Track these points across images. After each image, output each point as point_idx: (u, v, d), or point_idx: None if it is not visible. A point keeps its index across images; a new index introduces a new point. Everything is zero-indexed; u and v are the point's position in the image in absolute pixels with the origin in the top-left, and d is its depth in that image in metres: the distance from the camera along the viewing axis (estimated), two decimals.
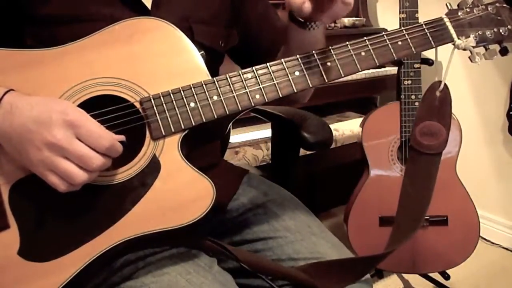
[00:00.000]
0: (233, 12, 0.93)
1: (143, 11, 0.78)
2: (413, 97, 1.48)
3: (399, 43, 0.77)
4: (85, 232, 0.68)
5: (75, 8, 0.76)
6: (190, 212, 0.69)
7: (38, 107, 0.62)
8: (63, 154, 0.61)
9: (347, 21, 2.20)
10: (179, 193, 0.70)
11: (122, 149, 0.66)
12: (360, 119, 1.67)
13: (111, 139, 0.63)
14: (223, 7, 0.91)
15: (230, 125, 1.27)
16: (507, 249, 2.07)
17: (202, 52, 0.73)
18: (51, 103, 0.64)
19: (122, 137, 0.66)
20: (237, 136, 1.81)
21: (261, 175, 1.08)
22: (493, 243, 2.11)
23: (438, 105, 0.79)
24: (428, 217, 1.53)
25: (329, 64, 0.75)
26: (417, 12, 1.41)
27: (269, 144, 1.72)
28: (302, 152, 1.26)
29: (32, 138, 0.61)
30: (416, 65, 1.50)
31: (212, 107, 0.71)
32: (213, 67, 0.89)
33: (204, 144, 0.89)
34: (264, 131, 1.85)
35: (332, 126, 1.32)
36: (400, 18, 1.43)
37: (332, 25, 2.19)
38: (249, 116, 1.38)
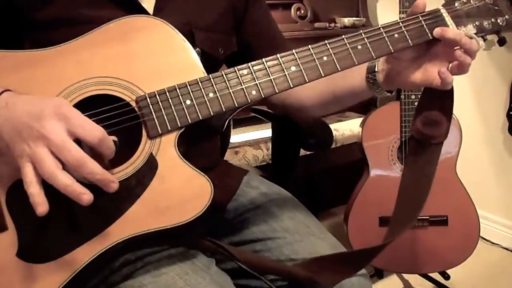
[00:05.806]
0: (234, 20, 0.93)
1: (140, 13, 0.78)
2: (413, 97, 1.48)
3: (396, 35, 0.76)
4: (83, 232, 0.67)
5: (72, 11, 0.75)
6: (188, 210, 0.69)
7: (32, 102, 0.62)
8: (47, 144, 0.60)
9: (347, 21, 2.19)
10: (177, 191, 0.69)
11: (115, 149, 0.64)
12: (360, 119, 1.66)
13: (104, 132, 0.62)
14: (225, 14, 0.90)
15: (230, 125, 1.27)
16: (507, 249, 2.07)
17: (197, 49, 0.73)
18: (46, 99, 0.63)
19: (113, 138, 0.65)
20: (237, 136, 1.81)
21: (261, 175, 1.07)
22: (493, 243, 2.11)
23: (440, 95, 0.78)
24: (428, 217, 1.53)
25: (325, 58, 0.74)
26: None
27: (269, 144, 1.71)
28: (302, 152, 1.26)
29: (22, 129, 0.60)
30: None
31: (208, 104, 0.71)
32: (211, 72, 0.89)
33: (202, 142, 0.88)
34: (264, 131, 1.85)
35: (332, 126, 1.31)
36: (400, 18, 1.42)
37: (332, 25, 2.18)
38: (249, 116, 1.38)
